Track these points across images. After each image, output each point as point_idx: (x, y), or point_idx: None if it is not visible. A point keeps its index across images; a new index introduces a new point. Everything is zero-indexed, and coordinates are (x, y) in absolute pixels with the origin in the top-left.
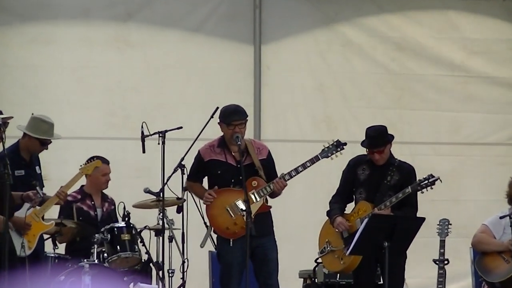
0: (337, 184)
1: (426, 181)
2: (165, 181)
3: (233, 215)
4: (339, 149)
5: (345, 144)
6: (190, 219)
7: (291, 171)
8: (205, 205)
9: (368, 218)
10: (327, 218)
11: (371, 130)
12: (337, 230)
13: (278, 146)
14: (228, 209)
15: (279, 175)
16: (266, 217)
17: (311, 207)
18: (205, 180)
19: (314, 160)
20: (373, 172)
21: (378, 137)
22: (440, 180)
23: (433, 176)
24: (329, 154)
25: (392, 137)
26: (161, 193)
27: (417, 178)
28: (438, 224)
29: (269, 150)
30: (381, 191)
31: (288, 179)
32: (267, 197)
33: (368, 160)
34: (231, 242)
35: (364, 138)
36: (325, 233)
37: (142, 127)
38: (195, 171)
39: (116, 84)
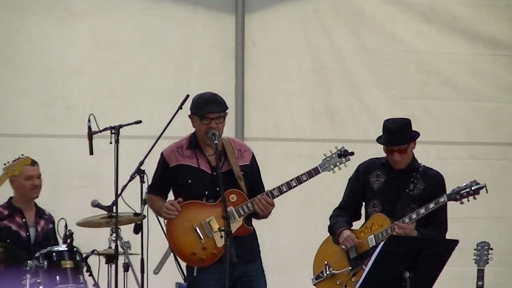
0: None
1: (468, 189)
2: (119, 191)
3: (202, 237)
4: (344, 160)
5: (351, 153)
6: (151, 241)
7: (281, 185)
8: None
9: (384, 241)
10: (328, 235)
11: (391, 122)
12: (343, 246)
13: (266, 147)
14: (197, 228)
15: (265, 189)
16: (250, 239)
17: (307, 225)
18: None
19: (312, 173)
20: (390, 179)
21: (400, 131)
22: (486, 189)
23: (477, 183)
24: (332, 166)
25: (417, 134)
26: (114, 207)
27: (446, 189)
28: (475, 249)
29: (253, 154)
30: (401, 203)
31: (277, 196)
32: (252, 218)
33: (384, 163)
34: (195, 271)
35: (379, 135)
36: (324, 254)
37: (89, 120)
38: (157, 181)
39: (55, 66)
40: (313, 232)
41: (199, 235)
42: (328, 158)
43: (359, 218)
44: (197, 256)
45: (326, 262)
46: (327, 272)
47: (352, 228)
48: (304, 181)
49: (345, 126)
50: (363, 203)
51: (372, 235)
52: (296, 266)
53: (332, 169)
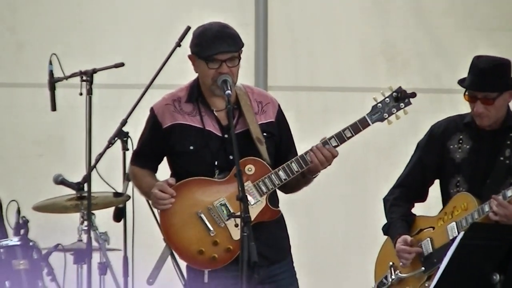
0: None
1: None
2: (93, 162)
3: (211, 228)
4: (402, 105)
5: (412, 95)
6: (138, 232)
7: (338, 133)
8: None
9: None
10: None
11: (483, 60)
12: (400, 264)
13: (298, 99)
14: (203, 216)
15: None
16: (277, 230)
17: (356, 211)
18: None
19: (359, 126)
20: (478, 144)
21: (491, 73)
22: None
23: None
24: (386, 115)
25: None
26: (86, 185)
27: None
28: None
29: (279, 107)
30: (493, 176)
31: (335, 147)
32: (284, 192)
33: (468, 123)
34: (206, 276)
35: (462, 78)
36: (389, 252)
37: (50, 62)
38: (144, 148)
39: None
40: (364, 221)
41: (206, 225)
42: (379, 104)
43: (424, 199)
44: (206, 255)
45: (391, 263)
46: (393, 277)
47: (419, 215)
48: (349, 138)
49: (408, 69)
50: (435, 180)
51: (454, 223)
52: (340, 267)
53: (387, 118)
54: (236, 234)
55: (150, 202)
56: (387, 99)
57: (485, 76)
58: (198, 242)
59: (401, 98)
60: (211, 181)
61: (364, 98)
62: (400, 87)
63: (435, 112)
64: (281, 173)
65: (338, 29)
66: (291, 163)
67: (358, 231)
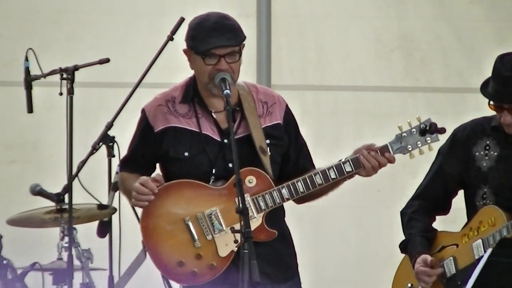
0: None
1: None
2: (75, 171)
3: (196, 239)
4: (429, 139)
5: (442, 130)
6: (125, 249)
7: (354, 158)
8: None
9: (491, 248)
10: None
11: (506, 65)
12: (420, 286)
13: (304, 99)
14: (190, 224)
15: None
16: (282, 246)
17: (369, 223)
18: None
19: (378, 154)
20: (506, 150)
21: None
22: None
23: None
24: (410, 147)
25: None
26: (66, 196)
27: None
28: None
29: (287, 107)
30: None
31: (349, 173)
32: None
33: (496, 127)
34: None
35: (486, 79)
36: (407, 272)
37: (26, 58)
38: (135, 153)
39: None
40: (379, 237)
41: (192, 234)
42: (404, 134)
43: (446, 212)
44: (186, 268)
45: (410, 285)
46: None
47: (440, 231)
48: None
49: (428, 66)
50: (458, 191)
51: (480, 240)
52: (350, 284)
53: (410, 151)
54: (223, 250)
55: (136, 211)
56: (413, 129)
57: (510, 86)
58: (180, 252)
59: (428, 131)
60: (206, 187)
61: (378, 99)
62: (429, 119)
63: (458, 114)
64: (284, 191)
65: (349, 21)
66: (297, 182)
67: (373, 247)
